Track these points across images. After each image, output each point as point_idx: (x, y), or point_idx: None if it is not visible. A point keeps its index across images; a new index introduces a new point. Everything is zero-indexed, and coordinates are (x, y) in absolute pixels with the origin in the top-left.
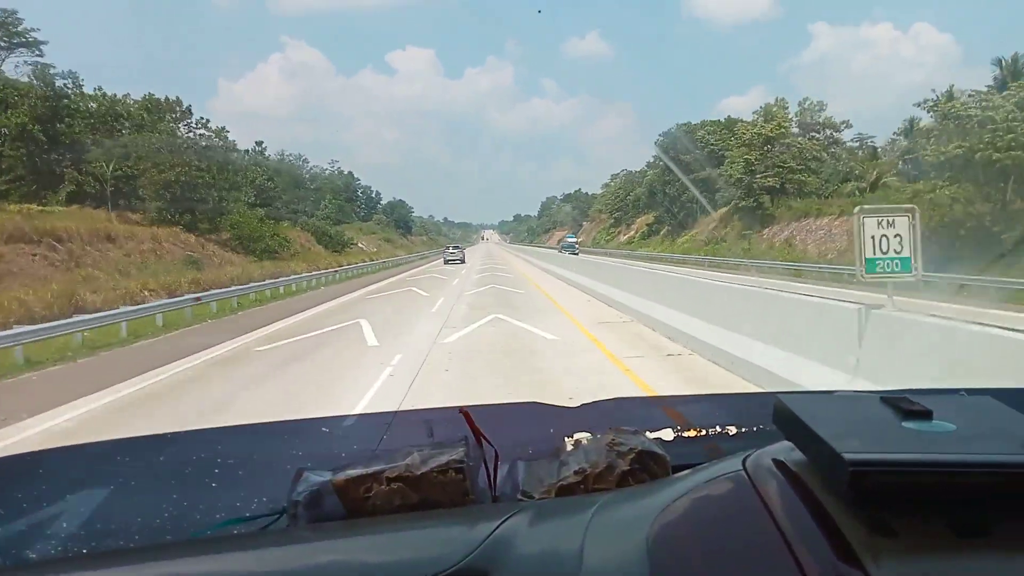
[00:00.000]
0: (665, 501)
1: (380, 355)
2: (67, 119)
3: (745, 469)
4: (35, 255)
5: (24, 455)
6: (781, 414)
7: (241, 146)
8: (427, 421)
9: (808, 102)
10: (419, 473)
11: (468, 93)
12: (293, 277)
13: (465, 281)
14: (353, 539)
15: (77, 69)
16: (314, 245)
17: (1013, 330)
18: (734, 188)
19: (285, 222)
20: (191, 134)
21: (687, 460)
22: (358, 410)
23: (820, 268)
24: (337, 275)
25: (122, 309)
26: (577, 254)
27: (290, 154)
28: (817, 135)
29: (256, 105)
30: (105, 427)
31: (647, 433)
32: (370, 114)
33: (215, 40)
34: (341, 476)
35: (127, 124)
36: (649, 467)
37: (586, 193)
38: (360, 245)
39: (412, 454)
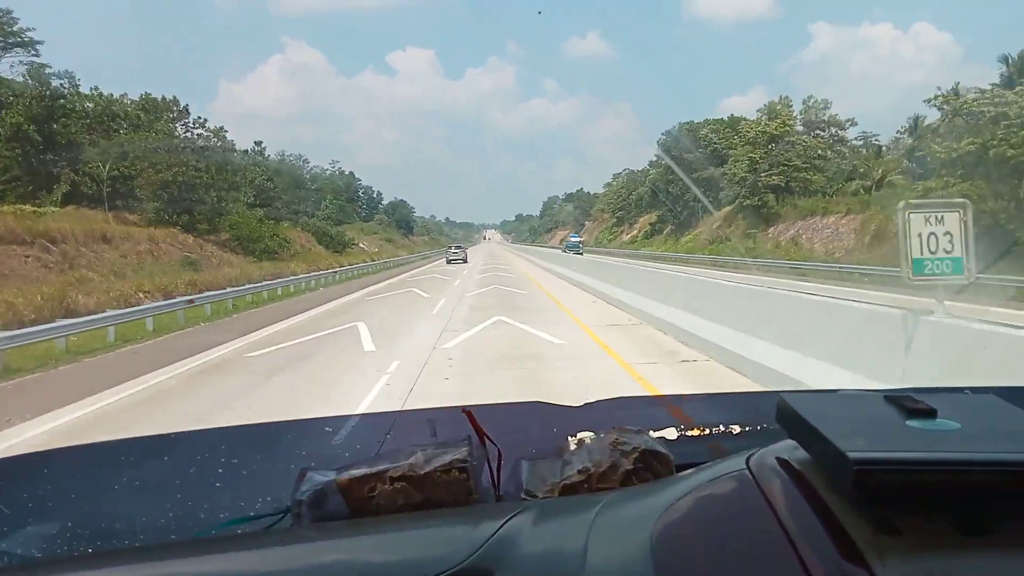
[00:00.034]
0: (669, 500)
1: (376, 362)
2: (63, 119)
3: (749, 468)
4: (28, 257)
5: (30, 455)
6: (785, 413)
7: (241, 147)
8: (430, 421)
9: (812, 100)
10: (423, 473)
11: (469, 93)
12: (291, 278)
13: (467, 282)
14: (357, 539)
15: (78, 70)
16: (315, 245)
17: None
18: (738, 187)
19: (285, 223)
20: (188, 134)
21: (691, 459)
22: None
23: (842, 268)
24: (337, 276)
25: (109, 313)
26: (581, 254)
27: (291, 154)
28: (822, 133)
29: (257, 106)
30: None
31: (650, 432)
32: (371, 115)
33: (216, 41)
34: (345, 476)
35: (124, 124)
36: (653, 466)
37: (588, 193)
38: (361, 245)
39: (416, 454)
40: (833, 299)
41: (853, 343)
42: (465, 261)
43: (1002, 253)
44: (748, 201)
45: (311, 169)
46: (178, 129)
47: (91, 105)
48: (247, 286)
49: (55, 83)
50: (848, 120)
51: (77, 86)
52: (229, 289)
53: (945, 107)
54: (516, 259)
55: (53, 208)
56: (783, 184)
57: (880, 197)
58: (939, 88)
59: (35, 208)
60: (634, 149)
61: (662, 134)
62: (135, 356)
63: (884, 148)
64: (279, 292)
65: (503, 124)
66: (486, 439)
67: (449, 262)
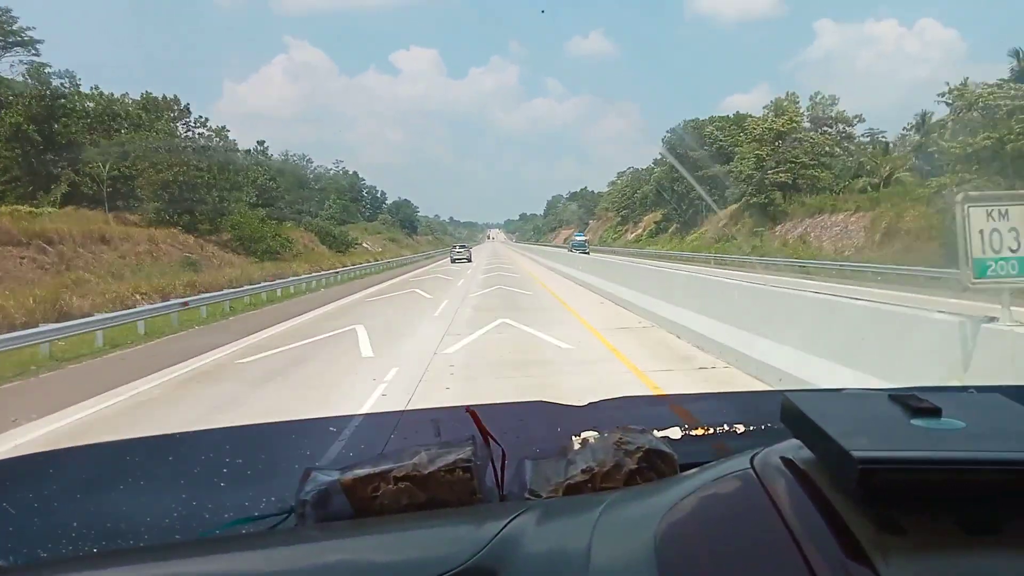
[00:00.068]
0: (673, 500)
1: (374, 369)
2: (63, 119)
3: (753, 467)
4: (23, 258)
5: (34, 455)
6: (789, 412)
7: (244, 146)
8: (434, 420)
9: (820, 96)
10: (426, 472)
11: (472, 93)
12: (291, 279)
13: (470, 282)
14: (361, 538)
15: (81, 71)
16: (318, 245)
17: None
18: (744, 184)
19: (289, 223)
20: (190, 133)
21: (695, 458)
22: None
23: (862, 268)
24: (339, 276)
25: (97, 317)
26: (588, 253)
27: (294, 154)
28: (829, 129)
29: (260, 106)
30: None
31: (654, 432)
32: (374, 114)
33: (219, 42)
34: (349, 475)
35: (125, 124)
36: (657, 466)
37: (592, 191)
38: (365, 245)
39: (419, 453)
40: (878, 305)
41: (897, 353)
42: (469, 260)
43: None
44: (754, 199)
45: (314, 169)
46: (179, 128)
47: (92, 105)
48: (245, 287)
49: (55, 83)
50: (856, 116)
51: (78, 85)
52: (227, 290)
53: (959, 101)
54: (520, 258)
55: (50, 209)
56: (790, 181)
57: (890, 194)
58: (947, 84)
59: (32, 208)
60: (637, 148)
61: (667, 132)
62: (122, 362)
63: (891, 145)
64: (278, 293)
65: (507, 123)
66: (490, 439)
67: (454, 261)
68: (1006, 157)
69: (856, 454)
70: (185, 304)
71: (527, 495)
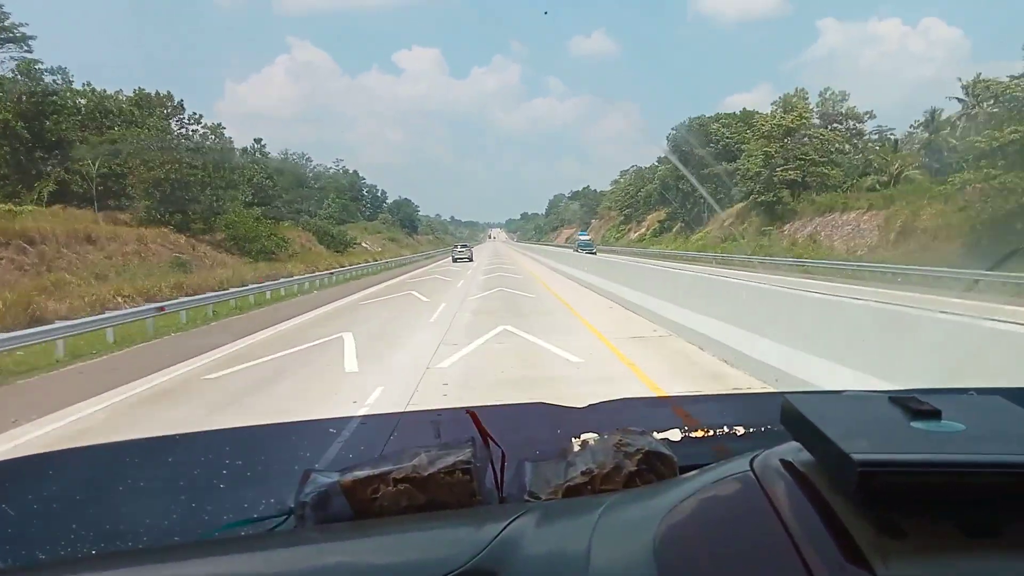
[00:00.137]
0: (672, 502)
1: (356, 388)
2: (54, 116)
3: (753, 470)
4: (0, 259)
5: (33, 456)
6: (789, 414)
7: (243, 145)
8: (434, 422)
9: (829, 92)
10: (426, 474)
11: (474, 92)
12: (282, 281)
13: (470, 283)
14: (360, 540)
15: (81, 70)
16: (315, 245)
17: None
18: (751, 182)
19: (286, 222)
20: (183, 130)
21: (694, 460)
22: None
23: (887, 269)
24: (334, 277)
25: (57, 324)
26: (595, 253)
27: (293, 153)
28: (839, 126)
29: (262, 106)
30: None
31: (654, 433)
32: (375, 114)
33: (221, 42)
34: (348, 477)
35: (118, 121)
36: (656, 468)
37: (594, 190)
38: (364, 245)
39: (419, 455)
40: (954, 316)
41: (994, 373)
42: (471, 260)
43: None
44: (762, 197)
45: (314, 168)
46: (172, 125)
47: (83, 102)
48: (231, 291)
49: (47, 79)
50: (866, 113)
51: (70, 82)
52: (209, 294)
53: (983, 93)
54: (522, 258)
55: (32, 207)
56: (800, 179)
57: (905, 191)
58: (960, 79)
59: (12, 207)
60: (639, 147)
61: (671, 129)
62: (78, 377)
63: (899, 142)
64: (267, 296)
65: (508, 123)
66: (490, 440)
67: (455, 260)
68: None
69: (856, 457)
70: (161, 309)
71: (527, 497)
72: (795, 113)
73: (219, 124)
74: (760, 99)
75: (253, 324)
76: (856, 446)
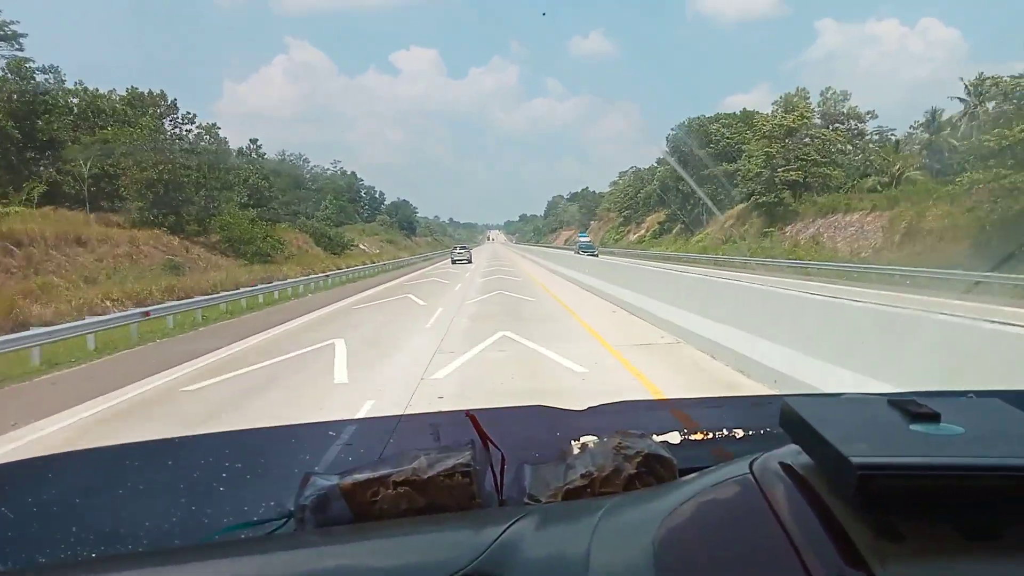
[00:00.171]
0: (672, 504)
1: (345, 401)
2: (45, 115)
3: (752, 472)
4: None
5: (34, 459)
6: (788, 417)
7: (240, 146)
8: (433, 425)
9: (831, 91)
10: (426, 477)
11: (472, 93)
12: (275, 284)
13: (468, 286)
14: (360, 543)
15: (81, 71)
16: (312, 247)
17: None
18: (752, 183)
19: (283, 224)
20: (177, 130)
21: (694, 463)
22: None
23: (910, 272)
24: (329, 280)
25: (32, 332)
26: (596, 255)
27: (291, 154)
28: (841, 126)
29: (260, 106)
30: None
31: (654, 436)
32: (374, 114)
33: (219, 42)
34: (348, 480)
35: (110, 120)
36: (656, 470)
37: (593, 192)
38: (361, 247)
39: (419, 458)
40: (988, 323)
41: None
42: (470, 261)
43: None
44: (763, 198)
45: (311, 169)
46: (166, 125)
47: (76, 101)
48: (222, 294)
49: (39, 78)
50: (868, 113)
51: (62, 81)
52: (198, 298)
53: (991, 91)
54: (521, 260)
55: (20, 208)
56: (801, 180)
57: (911, 192)
58: (962, 79)
59: None
60: (639, 147)
61: (671, 130)
62: (49, 389)
63: (900, 143)
64: (260, 300)
65: (506, 124)
66: (489, 443)
67: (454, 262)
68: None
69: (855, 460)
70: (146, 315)
71: (526, 500)
72: (796, 113)
73: (214, 124)
74: (759, 99)
75: (243, 329)
76: (855, 449)
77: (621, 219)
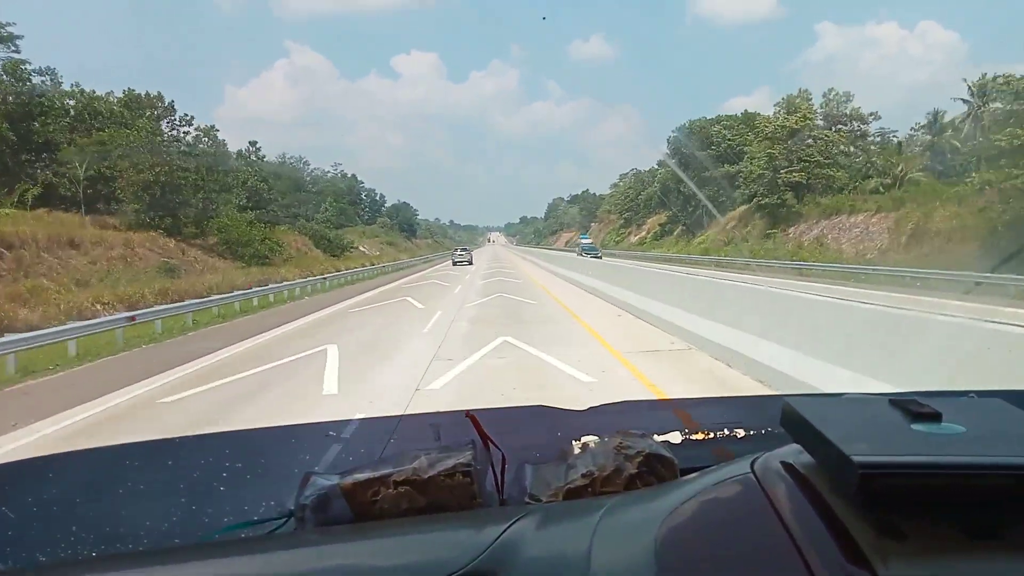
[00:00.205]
0: (673, 504)
1: (333, 414)
2: (41, 117)
3: (753, 472)
4: None
5: (34, 459)
6: (789, 417)
7: (239, 148)
8: (434, 424)
9: (833, 92)
10: (426, 477)
11: (473, 96)
12: (272, 287)
13: (468, 289)
14: (360, 543)
15: (82, 75)
16: (311, 249)
17: None
18: (755, 185)
19: (283, 226)
20: (175, 132)
21: (695, 463)
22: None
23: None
24: (328, 282)
25: (7, 338)
26: (600, 257)
27: (291, 156)
28: (844, 127)
29: (261, 111)
30: None
31: (655, 436)
32: (375, 118)
33: (220, 47)
34: (348, 480)
35: (107, 122)
36: (657, 470)
37: (593, 194)
38: (361, 249)
39: (419, 458)
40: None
41: None
42: (470, 263)
43: None
44: (766, 199)
45: (311, 171)
46: (163, 127)
47: (72, 103)
48: (214, 297)
49: (36, 80)
50: (871, 114)
51: (59, 83)
52: (188, 301)
53: (1001, 90)
54: (521, 262)
55: (10, 210)
56: (804, 181)
57: (918, 192)
58: (965, 80)
59: None
60: (639, 149)
61: (672, 132)
62: (19, 400)
63: (902, 144)
64: (255, 303)
65: (507, 127)
66: (490, 443)
67: (455, 263)
68: None
69: (856, 459)
70: (131, 319)
71: (527, 499)
72: (799, 114)
73: (212, 126)
74: (759, 102)
75: (234, 334)
76: (857, 448)
77: (622, 221)
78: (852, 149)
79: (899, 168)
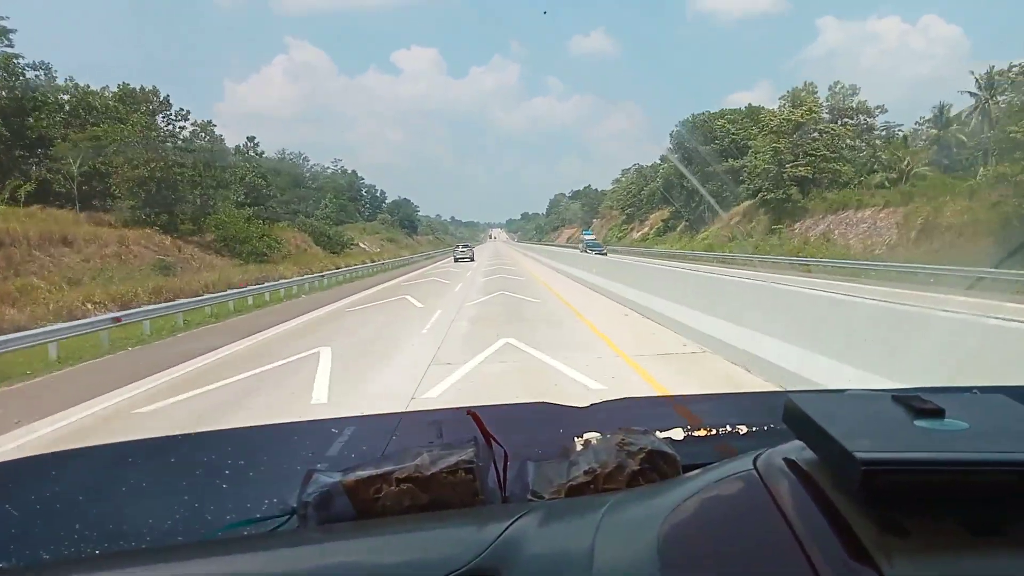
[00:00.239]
0: (675, 501)
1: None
2: (35, 112)
3: (756, 468)
4: None
5: (37, 457)
6: (792, 413)
7: (237, 144)
8: (436, 422)
9: (840, 86)
10: (429, 474)
11: (473, 92)
12: (268, 285)
13: (469, 287)
14: (363, 540)
15: (79, 71)
16: (311, 246)
17: None
18: (759, 179)
19: (282, 222)
20: (170, 127)
21: (697, 459)
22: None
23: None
24: (326, 280)
25: None
26: (605, 254)
27: (290, 153)
28: (850, 120)
29: (261, 106)
30: None
31: (657, 432)
32: (375, 114)
33: (219, 43)
34: (351, 477)
35: (102, 117)
36: (659, 467)
37: (595, 190)
38: (362, 245)
39: (422, 455)
40: None
41: None
42: (472, 259)
43: None
44: (771, 194)
45: (311, 167)
46: (159, 122)
47: (67, 97)
48: (206, 297)
49: (30, 75)
50: (878, 107)
51: (53, 78)
52: (179, 301)
53: (1018, 81)
54: (523, 259)
55: (2, 207)
56: (810, 176)
57: (927, 186)
58: (972, 72)
59: None
60: (641, 145)
61: (675, 126)
62: None
63: (908, 139)
64: (250, 302)
65: (508, 122)
66: (492, 440)
67: (457, 260)
68: None
69: (859, 455)
70: (117, 320)
71: (529, 496)
72: (805, 108)
73: (209, 121)
74: (761, 97)
75: (225, 336)
76: (859, 444)
77: (624, 217)
78: (858, 143)
79: (905, 162)
